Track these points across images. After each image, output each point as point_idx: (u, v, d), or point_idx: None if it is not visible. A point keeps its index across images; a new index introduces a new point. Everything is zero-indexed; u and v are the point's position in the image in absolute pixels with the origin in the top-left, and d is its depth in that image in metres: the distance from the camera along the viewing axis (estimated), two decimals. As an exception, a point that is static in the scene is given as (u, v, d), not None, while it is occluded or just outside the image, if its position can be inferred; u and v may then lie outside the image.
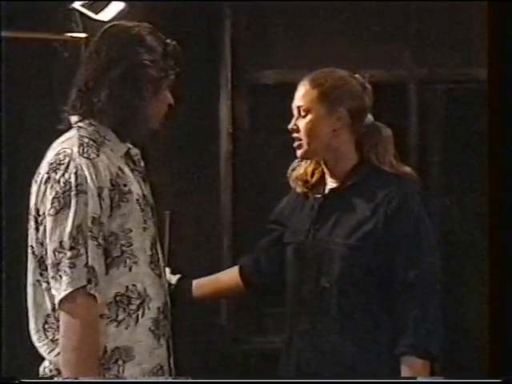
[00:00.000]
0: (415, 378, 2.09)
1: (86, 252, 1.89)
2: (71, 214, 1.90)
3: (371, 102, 2.27)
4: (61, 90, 3.28)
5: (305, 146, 2.23)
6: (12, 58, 3.31)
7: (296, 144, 2.25)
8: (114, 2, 3.08)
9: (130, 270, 1.95)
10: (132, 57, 1.97)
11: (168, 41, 2.02)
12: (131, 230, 1.95)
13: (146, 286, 1.97)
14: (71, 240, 1.89)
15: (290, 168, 2.32)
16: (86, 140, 1.96)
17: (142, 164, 2.09)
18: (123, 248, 1.94)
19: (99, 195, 1.92)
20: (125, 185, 1.96)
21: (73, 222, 1.89)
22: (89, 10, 3.05)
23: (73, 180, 1.91)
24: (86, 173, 1.92)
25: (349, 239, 2.17)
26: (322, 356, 2.18)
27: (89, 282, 1.88)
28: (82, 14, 3.05)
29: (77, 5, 3.06)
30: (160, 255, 2.04)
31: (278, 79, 3.79)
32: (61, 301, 1.89)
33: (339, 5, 3.76)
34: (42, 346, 1.96)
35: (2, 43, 3.05)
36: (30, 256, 1.97)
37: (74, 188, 1.91)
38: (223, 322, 3.74)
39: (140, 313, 1.96)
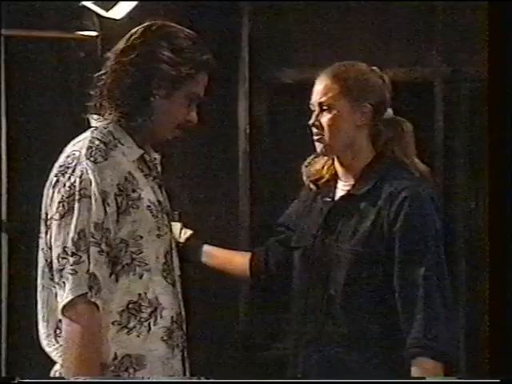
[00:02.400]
0: (424, 379, 2.05)
1: (88, 258, 1.86)
2: (74, 220, 1.87)
3: (390, 96, 2.23)
4: (76, 89, 3.28)
5: (327, 143, 2.18)
6: (27, 57, 3.29)
7: (317, 139, 2.19)
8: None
9: (141, 277, 1.92)
10: (151, 47, 1.93)
11: (203, 51, 1.97)
12: (141, 237, 1.92)
13: (158, 294, 1.94)
14: (74, 246, 1.86)
15: (305, 163, 2.28)
16: (96, 143, 1.92)
17: (160, 169, 2.05)
18: (133, 255, 1.92)
19: (104, 200, 1.88)
20: (134, 190, 1.92)
21: (75, 228, 1.87)
22: (100, 7, 3.00)
23: (77, 184, 1.88)
24: (91, 177, 1.88)
25: (355, 245, 2.13)
26: (328, 364, 2.15)
27: (90, 289, 1.86)
28: (93, 12, 3.01)
29: (88, 3, 3.01)
30: (175, 264, 2.02)
31: (296, 78, 3.77)
32: (63, 308, 1.88)
33: (361, 3, 3.74)
34: (52, 351, 1.95)
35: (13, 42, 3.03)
36: (41, 259, 1.95)
37: (77, 192, 1.88)
38: (241, 328, 3.72)
39: (152, 321, 1.94)
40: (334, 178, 2.25)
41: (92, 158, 1.90)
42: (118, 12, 3.03)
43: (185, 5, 3.57)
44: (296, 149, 3.82)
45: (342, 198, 2.21)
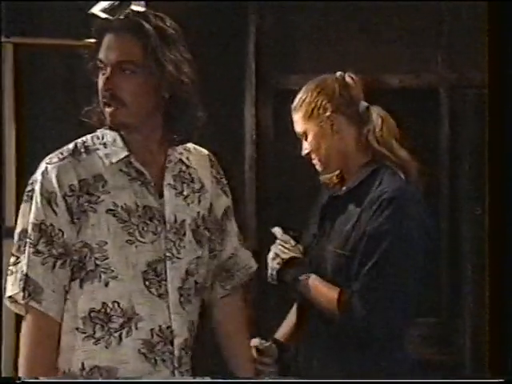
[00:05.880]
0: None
1: (25, 259, 1.85)
2: (18, 222, 1.89)
3: (358, 93, 2.27)
4: (84, 96, 3.29)
5: (321, 164, 2.25)
6: (35, 65, 3.31)
7: (315, 164, 2.27)
8: (133, 6, 3.03)
9: (107, 285, 1.86)
10: None
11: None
12: (106, 243, 1.85)
13: (135, 304, 1.86)
14: (15, 247, 1.87)
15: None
16: (70, 146, 1.92)
17: (170, 174, 1.95)
18: (97, 262, 1.86)
19: (49, 201, 1.85)
20: (91, 193, 1.86)
21: (18, 229, 1.88)
22: (109, 14, 3.01)
23: (28, 186, 1.90)
24: (39, 177, 1.88)
25: (337, 247, 2.16)
26: (327, 362, 2.17)
27: (23, 290, 1.84)
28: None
29: (96, 10, 3.03)
30: (171, 275, 1.90)
31: (302, 84, 3.74)
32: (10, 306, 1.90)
33: (367, 9, 3.73)
34: None
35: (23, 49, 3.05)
36: None
37: (25, 194, 1.90)
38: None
39: (124, 332, 1.86)
40: (341, 182, 2.29)
41: (48, 160, 1.89)
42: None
43: (192, 12, 3.58)
44: (301, 154, 3.84)
45: (329, 198, 2.27)
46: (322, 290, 2.16)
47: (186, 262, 1.94)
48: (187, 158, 2.01)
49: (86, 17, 3.05)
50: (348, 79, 2.27)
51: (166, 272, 1.89)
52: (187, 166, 2.00)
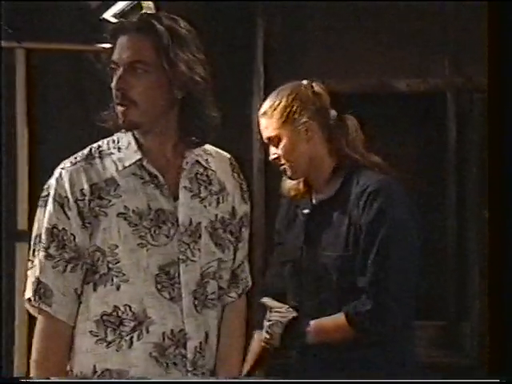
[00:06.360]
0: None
1: (37, 263, 1.87)
2: (34, 225, 1.91)
3: (327, 100, 2.30)
4: (93, 101, 3.31)
5: (291, 169, 2.27)
6: (44, 70, 3.32)
7: (283, 169, 2.29)
8: (144, 11, 3.06)
9: (118, 288, 1.86)
10: None
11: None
12: (117, 246, 1.86)
13: (147, 307, 1.86)
14: (31, 251, 1.89)
15: (283, 178, 2.35)
16: (85, 151, 1.93)
17: (188, 176, 1.94)
18: (109, 265, 1.86)
19: (62, 205, 1.87)
20: (102, 197, 1.87)
21: (33, 233, 1.91)
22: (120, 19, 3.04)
23: (44, 192, 1.91)
24: (54, 182, 1.89)
25: (338, 251, 2.17)
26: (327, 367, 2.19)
27: (34, 293, 1.87)
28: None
29: (108, 15, 3.05)
30: (185, 278, 1.89)
31: None
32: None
33: (374, 13, 3.74)
34: None
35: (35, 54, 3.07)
36: None
37: (41, 199, 1.91)
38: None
39: (135, 335, 1.86)
40: (309, 190, 2.32)
41: (62, 165, 1.91)
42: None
43: (200, 16, 3.59)
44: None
45: (314, 206, 2.28)
46: (329, 326, 2.17)
47: (202, 265, 1.92)
48: (206, 160, 1.99)
49: (98, 22, 3.07)
50: (317, 87, 2.30)
51: (179, 275, 1.89)
52: (205, 168, 1.98)
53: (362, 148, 2.29)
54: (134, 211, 1.86)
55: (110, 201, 1.87)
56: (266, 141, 2.31)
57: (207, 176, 1.97)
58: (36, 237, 1.89)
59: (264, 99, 3.84)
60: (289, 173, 2.28)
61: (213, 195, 1.96)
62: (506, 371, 1.84)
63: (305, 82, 2.32)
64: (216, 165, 2.01)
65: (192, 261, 1.90)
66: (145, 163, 1.91)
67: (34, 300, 1.86)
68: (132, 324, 1.86)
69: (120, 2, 3.00)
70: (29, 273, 1.90)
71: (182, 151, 1.95)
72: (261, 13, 3.75)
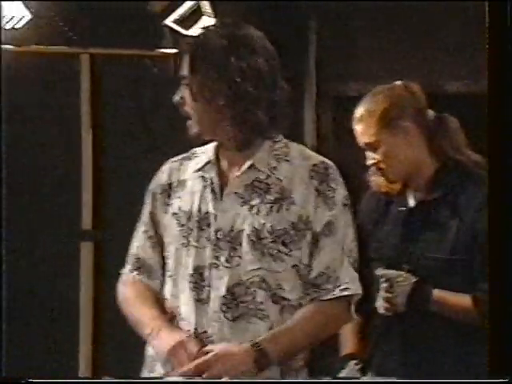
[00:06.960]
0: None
1: (136, 241, 2.03)
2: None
3: (423, 100, 2.25)
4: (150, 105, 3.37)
5: (392, 174, 2.23)
6: (103, 74, 3.39)
7: (382, 173, 2.24)
8: (204, 17, 3.13)
9: (166, 281, 1.99)
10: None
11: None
12: (169, 243, 1.98)
13: (182, 304, 1.93)
14: (136, 232, 2.05)
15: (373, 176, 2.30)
16: (191, 150, 2.06)
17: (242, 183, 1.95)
18: (166, 260, 2.00)
19: (153, 196, 2.03)
20: (169, 196, 2.01)
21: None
22: (180, 26, 3.11)
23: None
24: (155, 177, 2.05)
25: (442, 254, 2.15)
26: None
27: (132, 265, 2.01)
28: (172, 30, 3.11)
29: (168, 21, 3.13)
30: (216, 284, 1.89)
31: (362, 91, 3.74)
32: None
33: (427, 17, 3.74)
34: None
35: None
36: None
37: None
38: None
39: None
40: (405, 188, 2.27)
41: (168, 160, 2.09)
42: (196, 30, 3.12)
43: (253, 21, 3.63)
44: (361, 161, 3.85)
45: (416, 205, 2.23)
46: (452, 301, 2.14)
47: (244, 273, 1.89)
48: (273, 168, 1.94)
49: (160, 28, 3.14)
50: (413, 87, 2.26)
51: (210, 279, 1.90)
52: (268, 176, 1.94)
53: (465, 148, 2.23)
54: (184, 212, 1.96)
55: (170, 200, 2.00)
56: (362, 146, 2.26)
57: (267, 184, 1.93)
58: (142, 221, 2.06)
59: (316, 103, 3.83)
60: (389, 177, 2.23)
61: (266, 204, 1.91)
62: (506, 371, 1.83)
63: (398, 82, 2.27)
64: (287, 173, 1.94)
65: (226, 267, 1.89)
66: (207, 167, 1.98)
67: (130, 271, 2.04)
68: (168, 317, 1.94)
69: (181, 8, 3.07)
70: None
71: (249, 155, 1.96)
72: (313, 17, 3.79)
